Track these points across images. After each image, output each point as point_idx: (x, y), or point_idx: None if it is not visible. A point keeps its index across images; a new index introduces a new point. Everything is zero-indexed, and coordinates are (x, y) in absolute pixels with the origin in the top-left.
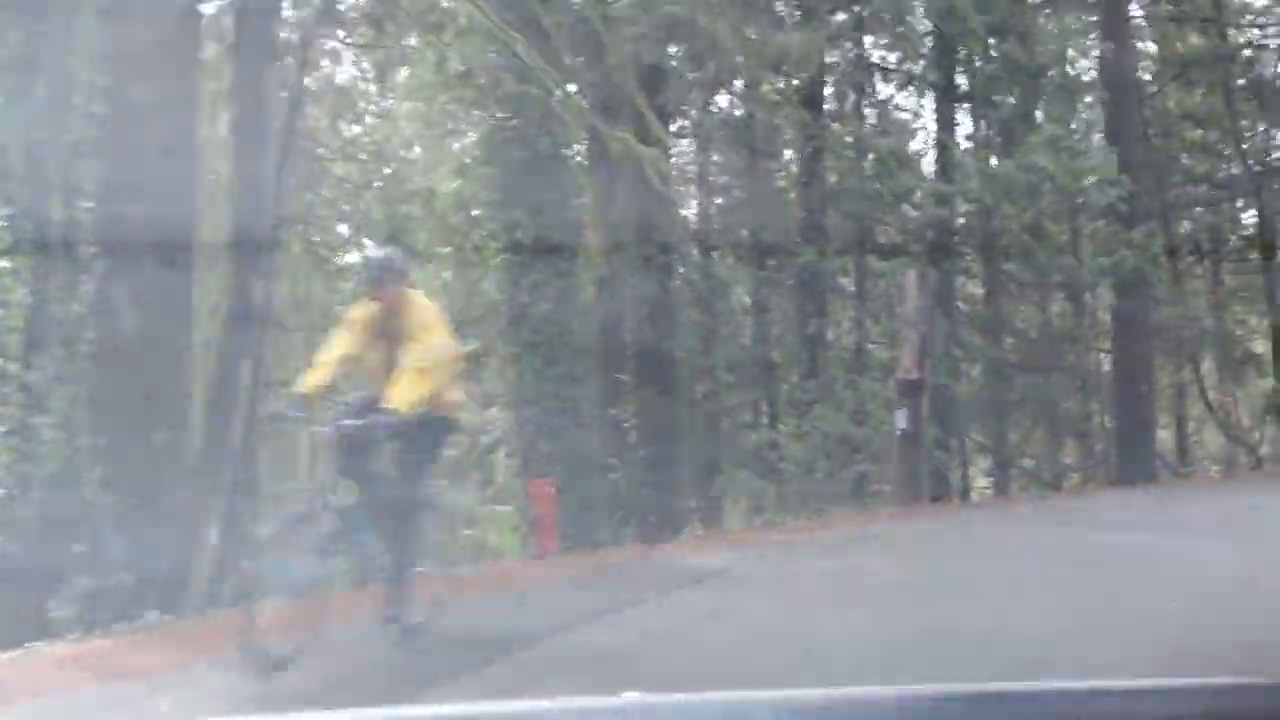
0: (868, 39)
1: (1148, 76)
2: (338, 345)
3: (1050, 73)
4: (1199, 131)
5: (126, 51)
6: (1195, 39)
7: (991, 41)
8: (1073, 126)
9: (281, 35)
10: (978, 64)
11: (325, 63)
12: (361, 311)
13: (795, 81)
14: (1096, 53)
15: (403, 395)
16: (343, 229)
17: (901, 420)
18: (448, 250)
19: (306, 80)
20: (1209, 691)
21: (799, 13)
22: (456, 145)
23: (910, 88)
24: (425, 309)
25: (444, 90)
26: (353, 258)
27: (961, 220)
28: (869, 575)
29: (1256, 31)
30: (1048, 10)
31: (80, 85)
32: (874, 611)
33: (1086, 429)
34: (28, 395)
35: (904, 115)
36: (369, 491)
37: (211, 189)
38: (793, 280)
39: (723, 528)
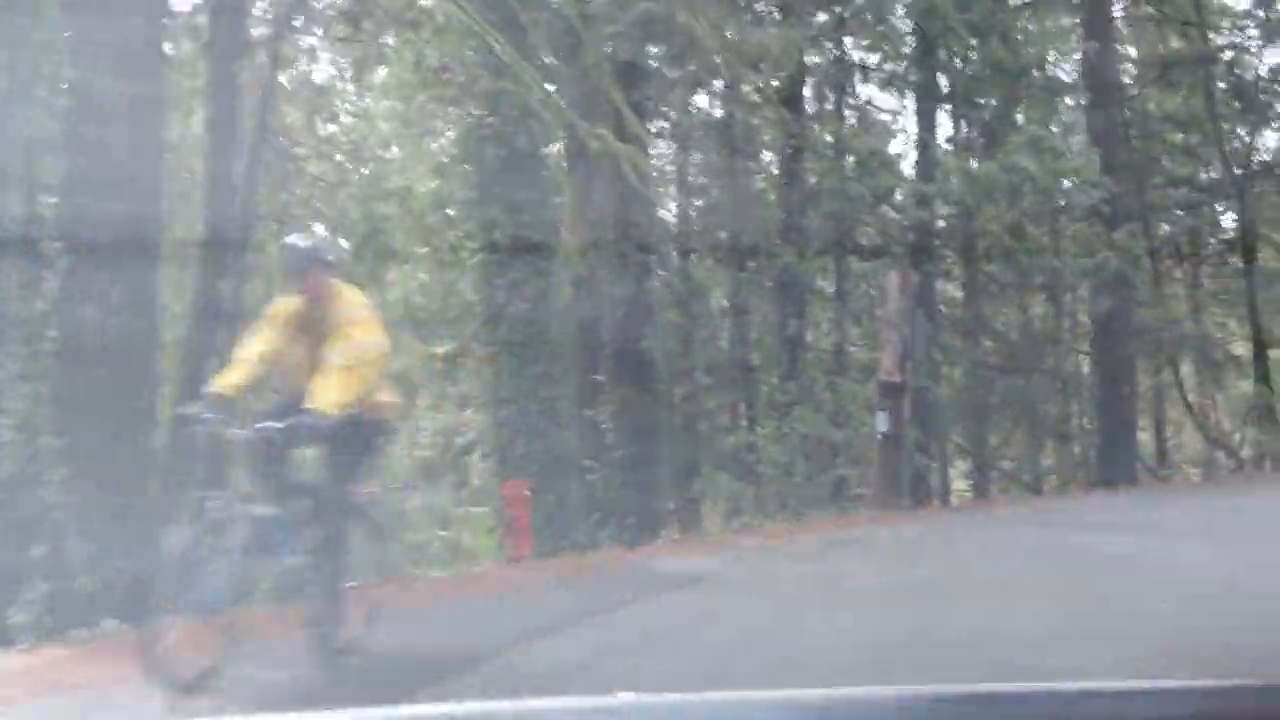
0: (848, 40)
1: (1127, 80)
2: (258, 342)
3: (1032, 73)
4: (1180, 135)
5: (92, 45)
6: (1176, 42)
7: (973, 42)
8: (1053, 129)
9: (254, 32)
10: (959, 64)
11: (302, 61)
12: (284, 305)
13: (775, 82)
14: (1078, 55)
15: (328, 395)
16: (320, 228)
17: (882, 423)
18: (425, 250)
19: (281, 78)
20: (1199, 693)
21: (779, 13)
22: (434, 144)
23: (891, 88)
24: (354, 302)
25: (421, 89)
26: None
27: (942, 222)
28: (853, 579)
29: (1238, 35)
30: (1029, 11)
31: (44, 79)
32: (860, 615)
33: (1066, 430)
34: None
35: (885, 117)
36: (292, 500)
37: (185, 187)
38: (772, 281)
39: (700, 531)
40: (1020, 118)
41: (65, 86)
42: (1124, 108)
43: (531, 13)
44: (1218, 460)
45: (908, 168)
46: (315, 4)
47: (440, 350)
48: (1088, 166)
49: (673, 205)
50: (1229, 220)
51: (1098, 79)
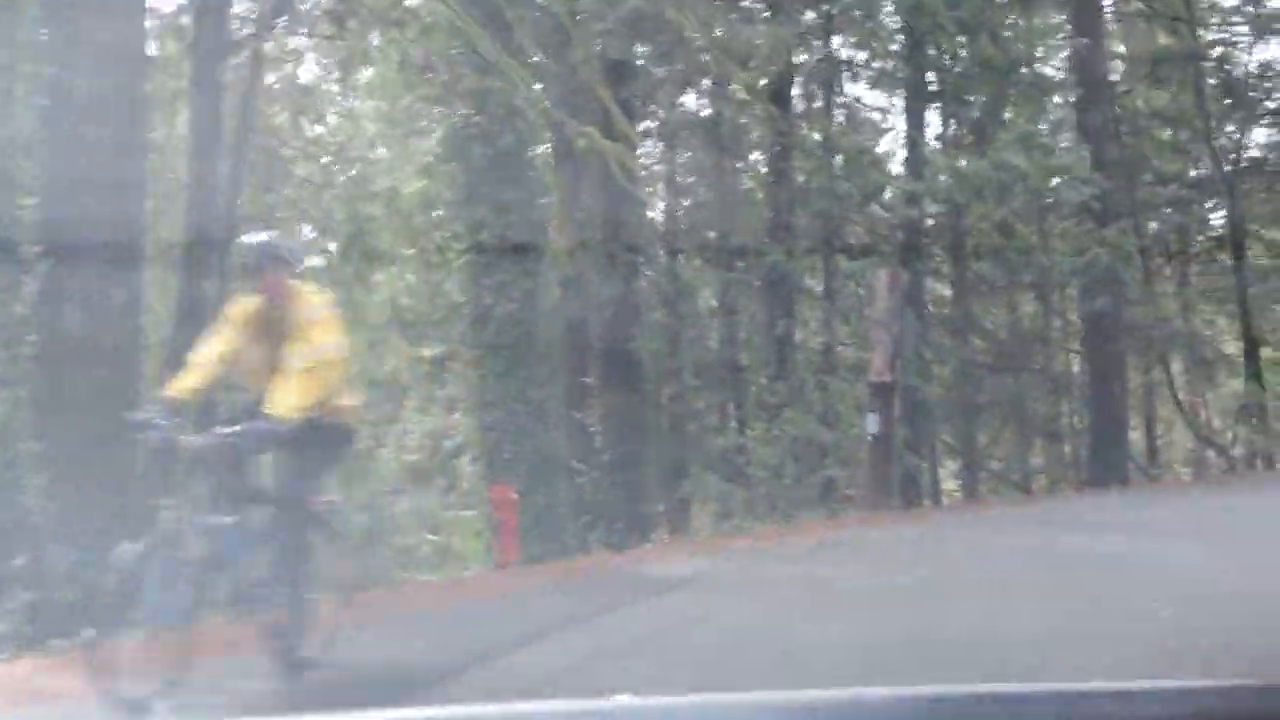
0: (837, 38)
1: (1115, 77)
2: (215, 344)
3: (1021, 70)
4: (1169, 132)
5: (73, 44)
6: (1165, 38)
7: (962, 39)
8: (1041, 126)
9: (238, 31)
10: (948, 61)
11: (287, 62)
12: (242, 306)
13: (764, 81)
14: (1065, 53)
15: (286, 399)
16: (307, 230)
17: (873, 425)
18: (412, 252)
19: (268, 79)
20: (1200, 693)
21: (767, 10)
22: (421, 144)
23: (880, 86)
24: (314, 303)
25: (407, 89)
26: (315, 260)
27: (931, 221)
28: (846, 582)
29: (1227, 31)
30: (1018, 7)
31: (23, 78)
32: (853, 618)
33: (1056, 429)
34: None
35: (874, 115)
36: (250, 509)
37: (170, 188)
38: (760, 281)
39: (690, 533)
40: (1009, 115)
41: (46, 84)
42: (1113, 105)
43: (518, 10)
44: (1208, 459)
45: (897, 166)
46: (300, 4)
47: (428, 352)
48: (1079, 163)
49: (660, 205)
50: (1217, 218)
51: (1087, 75)
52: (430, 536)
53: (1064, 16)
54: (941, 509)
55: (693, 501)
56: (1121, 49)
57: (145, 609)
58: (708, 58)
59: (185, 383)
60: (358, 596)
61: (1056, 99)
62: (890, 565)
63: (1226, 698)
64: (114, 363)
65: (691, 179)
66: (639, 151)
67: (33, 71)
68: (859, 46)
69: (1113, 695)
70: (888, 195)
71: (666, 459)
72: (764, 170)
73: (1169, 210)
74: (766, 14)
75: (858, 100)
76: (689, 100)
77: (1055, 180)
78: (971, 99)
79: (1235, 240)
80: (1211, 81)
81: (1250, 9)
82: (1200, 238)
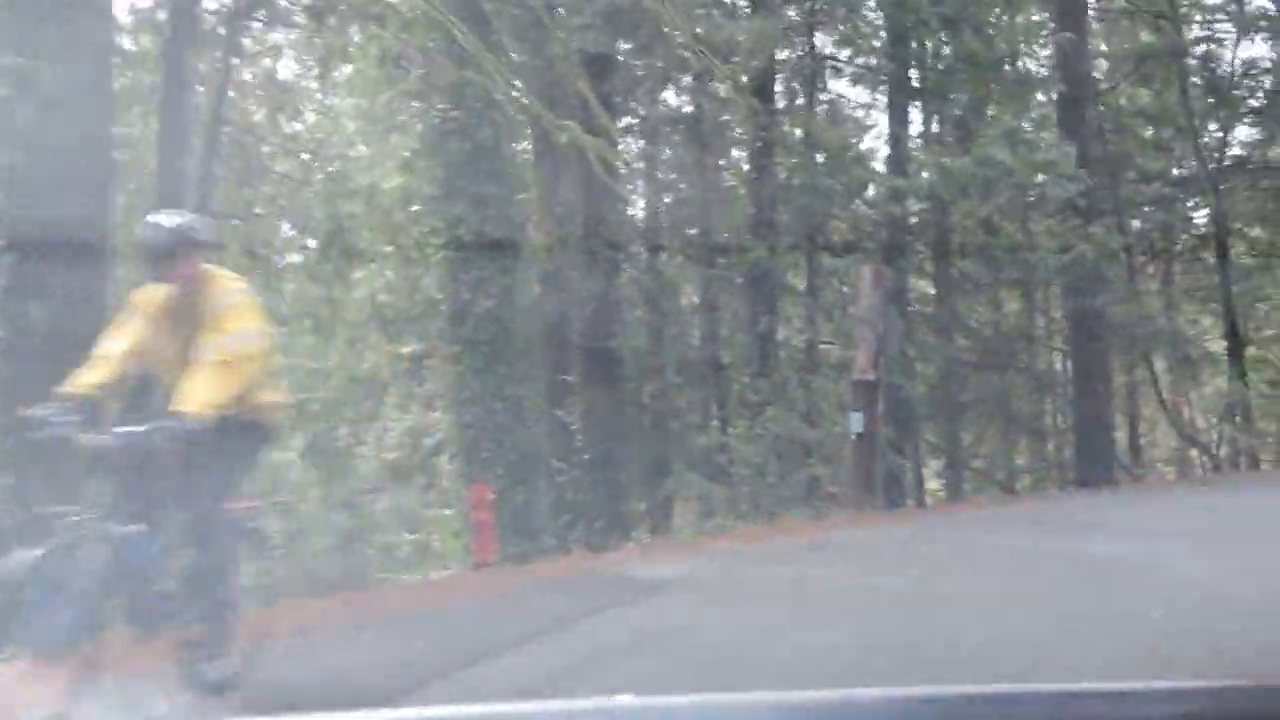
0: (819, 35)
1: (1098, 75)
2: (122, 336)
3: (1005, 67)
4: (1151, 130)
5: (38, 32)
6: (1148, 36)
7: (944, 35)
8: (1025, 125)
9: (210, 21)
10: (931, 57)
11: (267, 59)
12: (152, 294)
13: (745, 78)
14: (1048, 51)
15: (199, 395)
16: (286, 227)
17: (857, 424)
18: (391, 248)
19: (248, 75)
20: (1192, 694)
21: (750, 6)
22: (400, 140)
23: (863, 83)
24: (231, 289)
25: (386, 85)
26: (294, 257)
27: (915, 218)
28: (833, 584)
29: (1210, 29)
30: (1002, 3)
31: None
32: (842, 623)
33: (1039, 428)
34: None
35: (857, 113)
36: (159, 516)
37: (144, 184)
38: (743, 278)
39: (672, 532)
40: (992, 112)
41: (8, 75)
42: (1097, 102)
43: (497, 3)
44: (1192, 458)
45: (880, 164)
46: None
47: (407, 349)
48: (1064, 159)
49: (642, 201)
50: (1201, 216)
51: (1071, 72)
52: (410, 535)
53: (1046, 15)
54: (927, 509)
55: (675, 500)
56: (1104, 47)
57: (31, 628)
58: (689, 54)
59: (88, 378)
60: (326, 599)
61: (1040, 96)
62: (878, 567)
63: (1218, 698)
64: (79, 358)
65: (673, 175)
66: (619, 147)
67: None
68: (842, 43)
69: (1104, 696)
70: (871, 192)
71: (648, 457)
72: (746, 166)
73: (1151, 208)
74: (748, 9)
75: (841, 97)
76: (670, 96)
77: (1040, 177)
78: (955, 95)
79: (1219, 238)
80: (1195, 80)
81: (1234, 7)
82: (1184, 236)
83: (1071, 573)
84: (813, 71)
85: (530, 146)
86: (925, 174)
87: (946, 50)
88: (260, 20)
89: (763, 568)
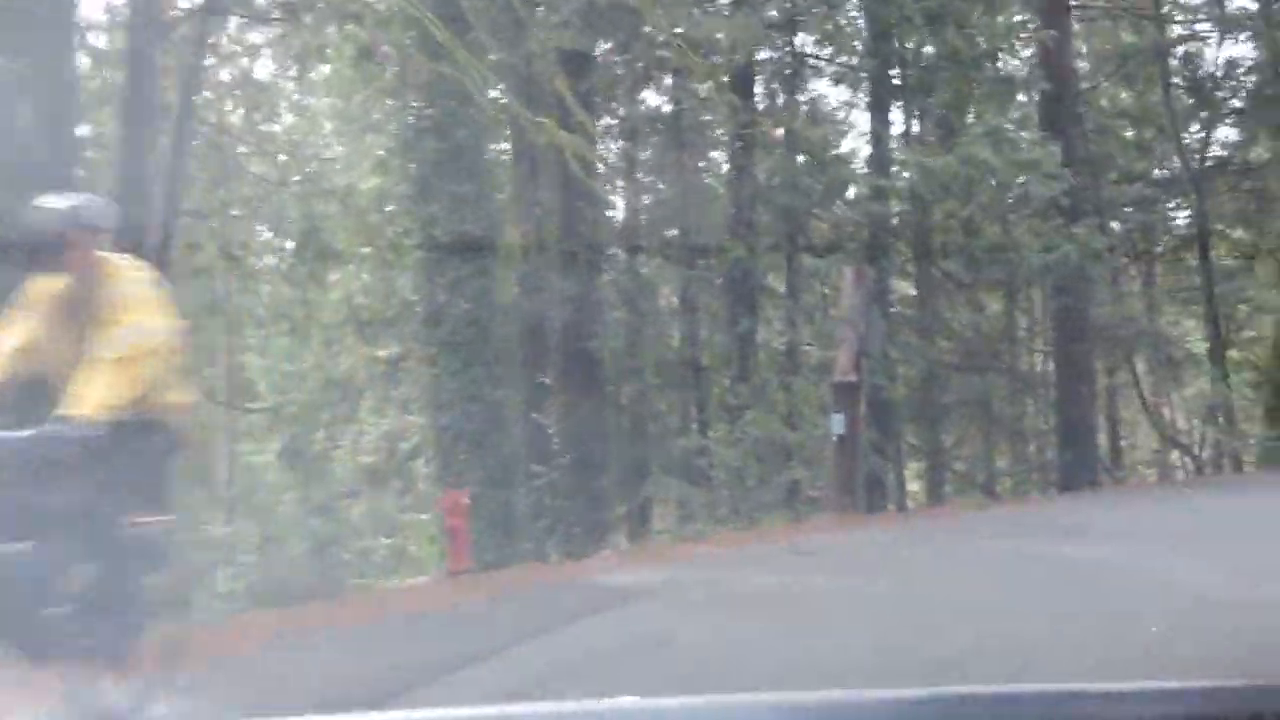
0: (801, 36)
1: (1082, 75)
2: (11, 333)
3: (987, 65)
4: (1133, 130)
5: None
6: (1129, 35)
7: (926, 34)
8: (1007, 125)
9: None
10: (912, 55)
11: (244, 57)
12: (44, 286)
13: (726, 77)
14: (1029, 51)
15: (92, 396)
16: (261, 228)
17: (838, 426)
18: (368, 250)
19: (224, 75)
20: (1190, 694)
21: (730, 5)
22: (375, 139)
23: (844, 83)
24: (130, 278)
25: (363, 85)
26: (270, 259)
27: (896, 219)
28: (818, 592)
29: (1191, 29)
30: (984, 2)
31: None
32: (830, 632)
33: (1021, 429)
34: None
35: (839, 113)
36: (50, 532)
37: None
38: (722, 279)
39: (651, 537)
40: (974, 111)
41: None
42: (1079, 101)
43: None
44: (1173, 461)
45: (861, 164)
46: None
47: (383, 352)
48: (1048, 158)
49: (620, 201)
50: (1183, 217)
51: (1053, 71)
52: (386, 540)
53: (1026, 17)
54: (911, 513)
55: (654, 504)
56: (1084, 48)
57: None
58: (668, 53)
59: None
60: (295, 608)
61: (1021, 96)
62: (862, 571)
63: (1214, 699)
64: None
65: (652, 176)
66: (598, 147)
67: None
68: (823, 42)
69: (1101, 696)
70: (851, 192)
71: (626, 461)
72: (726, 167)
73: (1132, 209)
74: (729, 6)
75: (821, 96)
76: (649, 96)
77: (1022, 177)
78: (937, 95)
79: (1201, 240)
80: (1177, 80)
81: (1215, 9)
82: (1166, 237)
83: (1058, 576)
84: (793, 71)
85: (507, 146)
86: (907, 174)
87: (928, 48)
88: (234, 14)
89: (744, 575)
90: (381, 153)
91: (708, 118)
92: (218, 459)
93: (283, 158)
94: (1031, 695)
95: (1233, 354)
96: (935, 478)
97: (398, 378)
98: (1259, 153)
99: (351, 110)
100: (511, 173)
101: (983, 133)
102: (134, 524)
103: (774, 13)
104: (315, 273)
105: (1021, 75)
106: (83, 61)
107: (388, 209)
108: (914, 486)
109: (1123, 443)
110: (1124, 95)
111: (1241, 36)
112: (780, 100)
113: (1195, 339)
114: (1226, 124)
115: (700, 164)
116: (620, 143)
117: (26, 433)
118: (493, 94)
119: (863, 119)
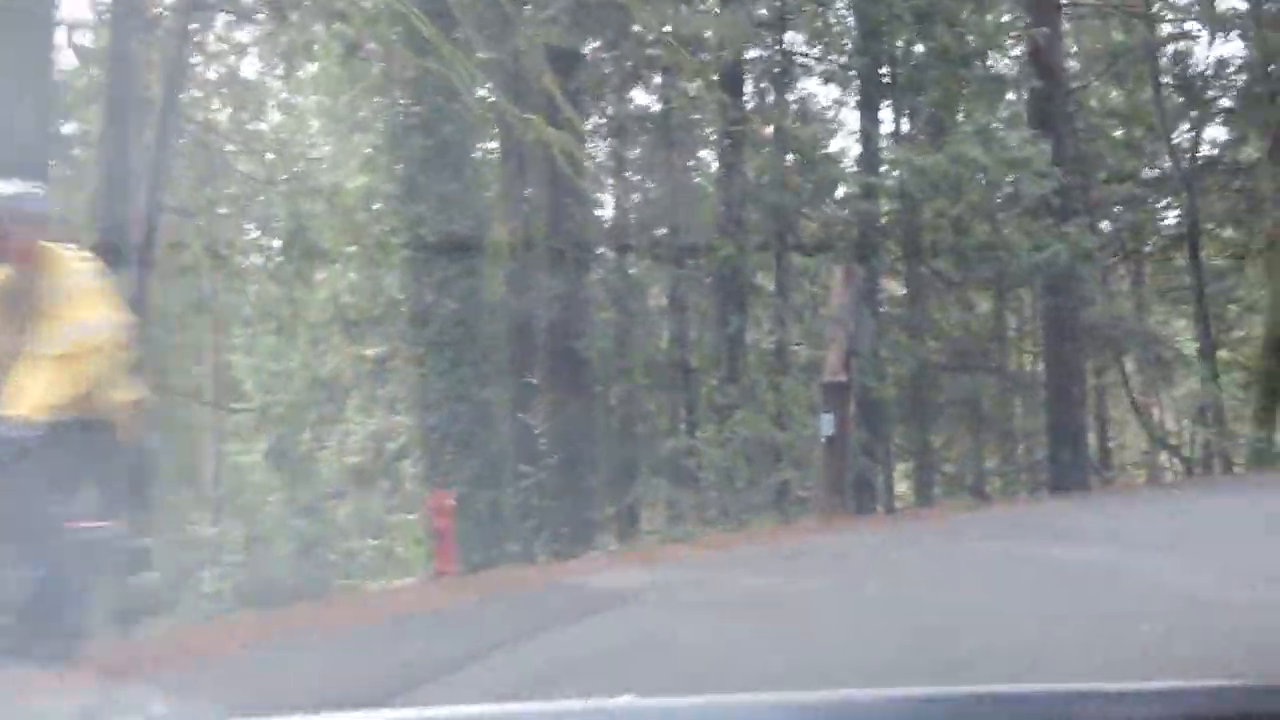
0: (790, 34)
1: (1071, 74)
2: None
3: (976, 63)
4: (1123, 129)
5: None
6: (1119, 34)
7: (915, 32)
8: (996, 124)
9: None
10: (902, 54)
11: (231, 55)
12: None
13: (715, 75)
14: (1018, 50)
15: (31, 395)
16: (248, 226)
17: (828, 426)
18: (355, 249)
19: (211, 75)
20: (1190, 694)
21: (719, 3)
22: (362, 137)
23: (833, 82)
24: (74, 270)
25: (349, 83)
26: (257, 258)
27: (885, 218)
28: (809, 594)
29: (1181, 28)
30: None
31: None
32: (821, 637)
33: (1009, 429)
34: None
35: (829, 112)
36: None
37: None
38: (711, 278)
39: (639, 538)
40: (964, 110)
41: None
42: (1069, 100)
43: None
44: (1162, 462)
45: (851, 162)
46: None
47: (370, 352)
48: (1038, 157)
49: (609, 200)
50: (1173, 216)
51: (1043, 69)
52: (372, 541)
53: (1015, 16)
54: (898, 514)
55: (642, 506)
56: (1074, 47)
57: None
58: (657, 51)
59: None
60: (281, 609)
61: (1011, 95)
62: (853, 573)
63: (1217, 698)
64: None
65: (640, 176)
66: (586, 145)
67: None
68: (812, 40)
69: (1108, 696)
70: (841, 192)
71: (615, 462)
72: (715, 165)
73: (1122, 209)
74: (718, 4)
75: (811, 94)
76: (638, 95)
77: (1012, 176)
78: (926, 93)
79: (1191, 239)
80: (1167, 79)
81: (1206, 8)
82: (1155, 236)
83: (1047, 578)
84: (783, 69)
85: (495, 144)
86: (896, 172)
87: (918, 47)
88: (219, 10)
89: (733, 578)
90: (369, 151)
91: (697, 116)
92: (204, 459)
93: (269, 156)
94: (1037, 695)
95: (1222, 354)
96: (924, 479)
97: (385, 377)
98: (1249, 152)
99: (338, 108)
100: (499, 171)
101: (972, 131)
102: (81, 528)
103: (763, 11)
104: (302, 271)
105: (1011, 74)
106: (69, 59)
107: (375, 207)
108: (902, 488)
109: (1112, 443)
110: (1114, 94)
111: (1231, 35)
112: (770, 98)
113: (1185, 339)
114: (1216, 123)
115: (689, 162)
116: (609, 141)
117: None
118: (480, 92)
119: (852, 117)
